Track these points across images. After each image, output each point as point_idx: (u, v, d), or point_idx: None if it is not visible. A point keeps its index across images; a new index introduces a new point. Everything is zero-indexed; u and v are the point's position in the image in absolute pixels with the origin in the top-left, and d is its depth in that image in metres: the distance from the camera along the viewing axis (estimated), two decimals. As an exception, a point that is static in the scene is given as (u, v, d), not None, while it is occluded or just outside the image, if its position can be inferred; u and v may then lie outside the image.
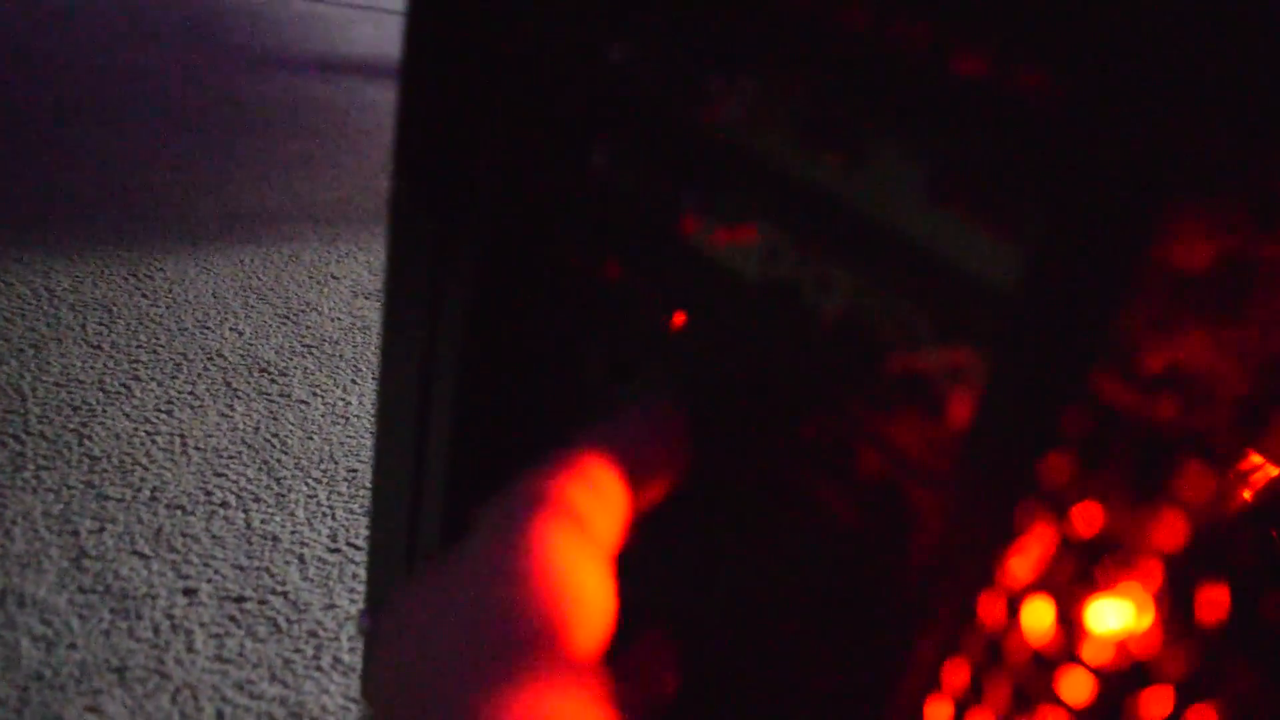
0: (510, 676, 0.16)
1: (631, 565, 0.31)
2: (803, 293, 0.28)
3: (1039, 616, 0.21)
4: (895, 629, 0.24)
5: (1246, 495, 0.23)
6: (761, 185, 0.28)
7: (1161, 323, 0.21)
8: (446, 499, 0.42)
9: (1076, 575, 0.21)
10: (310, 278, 1.31)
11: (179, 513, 0.84)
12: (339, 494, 0.87)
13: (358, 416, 0.98)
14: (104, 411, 0.98)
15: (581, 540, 0.20)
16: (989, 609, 0.21)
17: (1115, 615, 0.21)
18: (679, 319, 0.31)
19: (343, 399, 1.02)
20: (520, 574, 0.18)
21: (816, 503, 0.28)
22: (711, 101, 0.30)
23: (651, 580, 0.33)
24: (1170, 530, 0.22)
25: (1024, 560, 0.21)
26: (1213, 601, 0.21)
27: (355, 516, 0.85)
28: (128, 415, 0.97)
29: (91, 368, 1.05)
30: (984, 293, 0.23)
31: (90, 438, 0.93)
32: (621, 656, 0.27)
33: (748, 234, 0.29)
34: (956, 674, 0.23)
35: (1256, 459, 0.23)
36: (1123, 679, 0.23)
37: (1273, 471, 0.23)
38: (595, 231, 0.35)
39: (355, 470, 0.90)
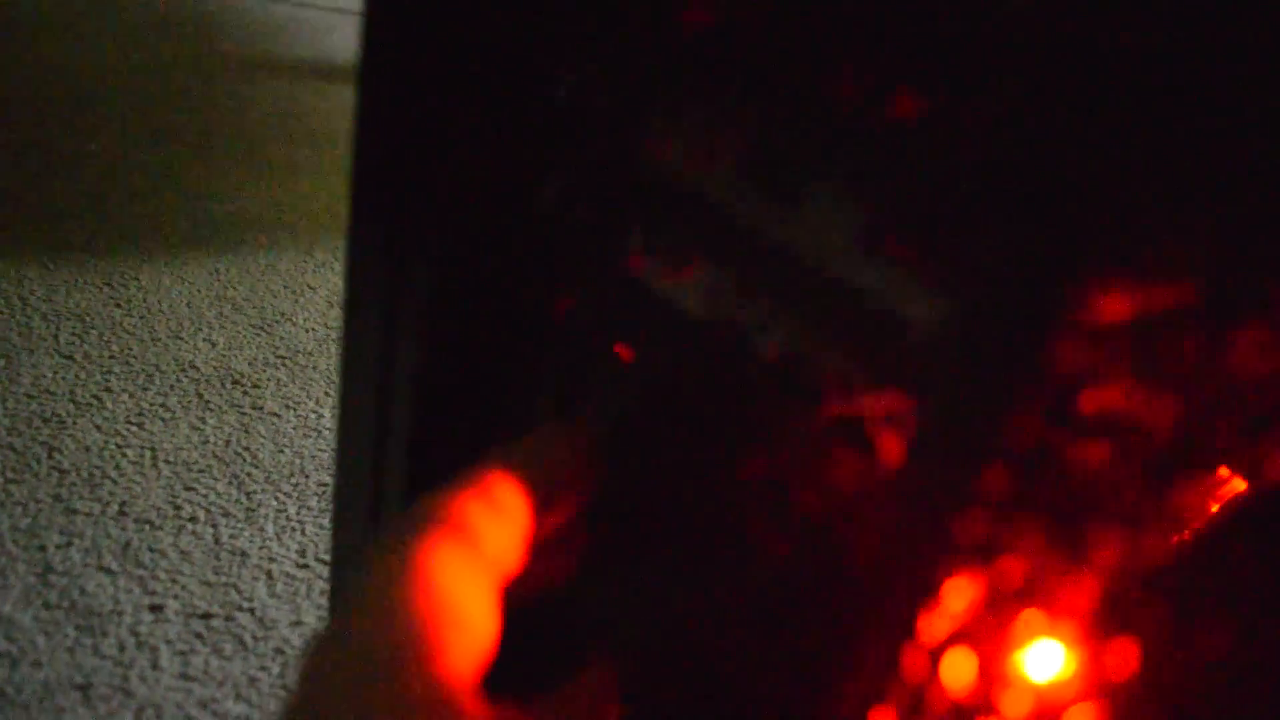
0: (370, 705, 0.16)
1: (570, 593, 0.31)
2: (742, 333, 0.28)
3: (959, 668, 0.21)
4: (823, 672, 0.25)
5: (1213, 507, 0.23)
6: (703, 225, 0.28)
7: (1085, 374, 0.21)
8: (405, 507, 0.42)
9: (997, 628, 0.22)
10: (286, 288, 1.30)
11: (147, 527, 0.84)
12: (308, 508, 0.87)
13: (329, 429, 0.98)
14: (74, 424, 0.97)
15: (467, 559, 0.20)
16: (912, 660, 0.22)
17: (1035, 667, 0.21)
18: (624, 353, 0.31)
19: (315, 411, 1.02)
20: (394, 597, 0.18)
21: (750, 537, 0.28)
22: (657, 141, 0.30)
23: (590, 608, 0.34)
24: (1085, 586, 0.22)
25: (945, 613, 0.21)
26: (1124, 655, 0.21)
27: (324, 531, 0.84)
28: (98, 427, 0.97)
29: (63, 379, 1.04)
30: (913, 340, 0.23)
31: (60, 450, 0.93)
32: (563, 688, 0.27)
33: (690, 272, 0.29)
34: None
35: (1224, 472, 0.24)
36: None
37: (1239, 486, 0.23)
38: (546, 265, 0.35)
39: (325, 484, 0.90)
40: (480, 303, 0.38)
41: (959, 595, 0.23)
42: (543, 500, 0.24)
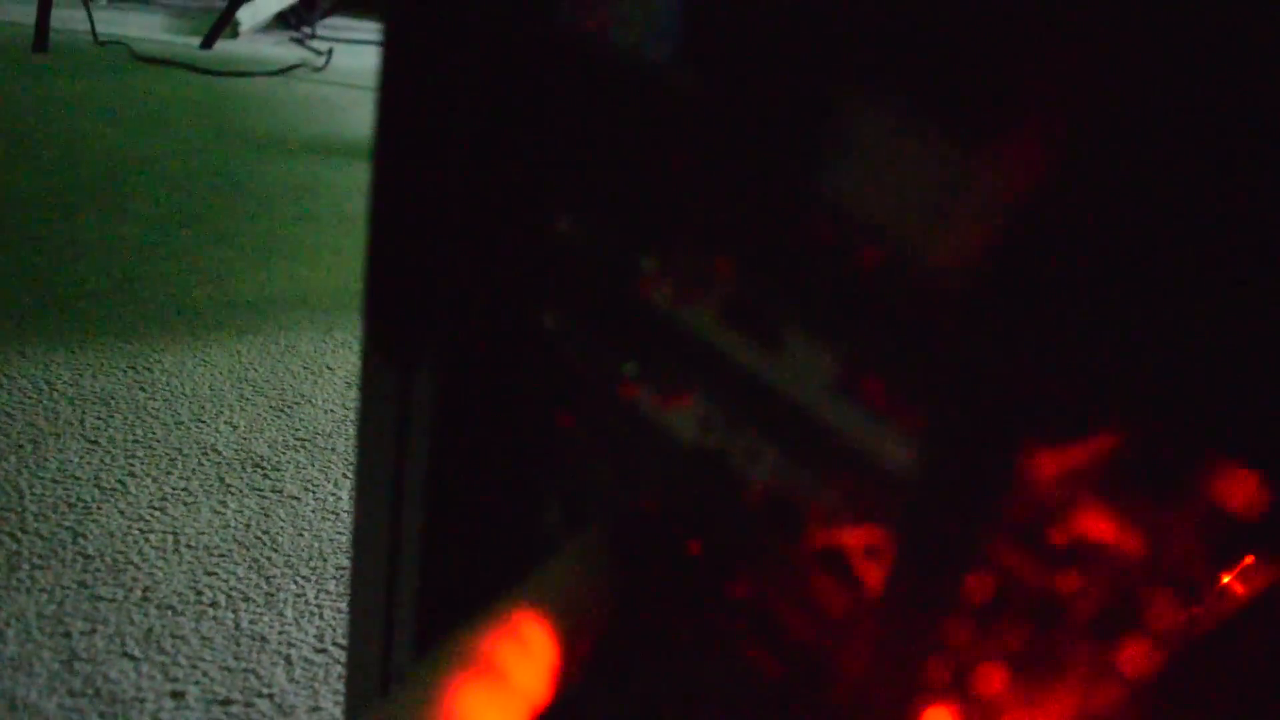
0: None
1: (588, 705, 0.32)
2: (732, 461, 0.29)
3: None
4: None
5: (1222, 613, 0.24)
6: (694, 361, 0.30)
7: (1054, 505, 0.22)
8: (417, 622, 0.44)
9: None
10: (305, 369, 1.33)
11: (169, 613, 0.85)
12: (327, 592, 0.88)
13: (348, 512, 1.00)
14: (99, 509, 0.99)
15: (498, 700, 0.21)
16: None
17: None
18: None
19: (334, 494, 1.03)
20: None
21: (743, 657, 0.29)
22: (648, 279, 0.32)
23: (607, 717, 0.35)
24: (1065, 700, 0.23)
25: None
26: None
27: (343, 615, 0.86)
28: (122, 512, 0.99)
29: (88, 463, 1.07)
30: (888, 476, 0.24)
31: (85, 535, 0.95)
32: None
33: (683, 402, 0.31)
34: None
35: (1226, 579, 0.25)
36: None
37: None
38: (548, 386, 0.37)
39: (344, 567, 0.91)
40: (486, 415, 0.40)
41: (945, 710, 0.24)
42: (568, 636, 0.25)
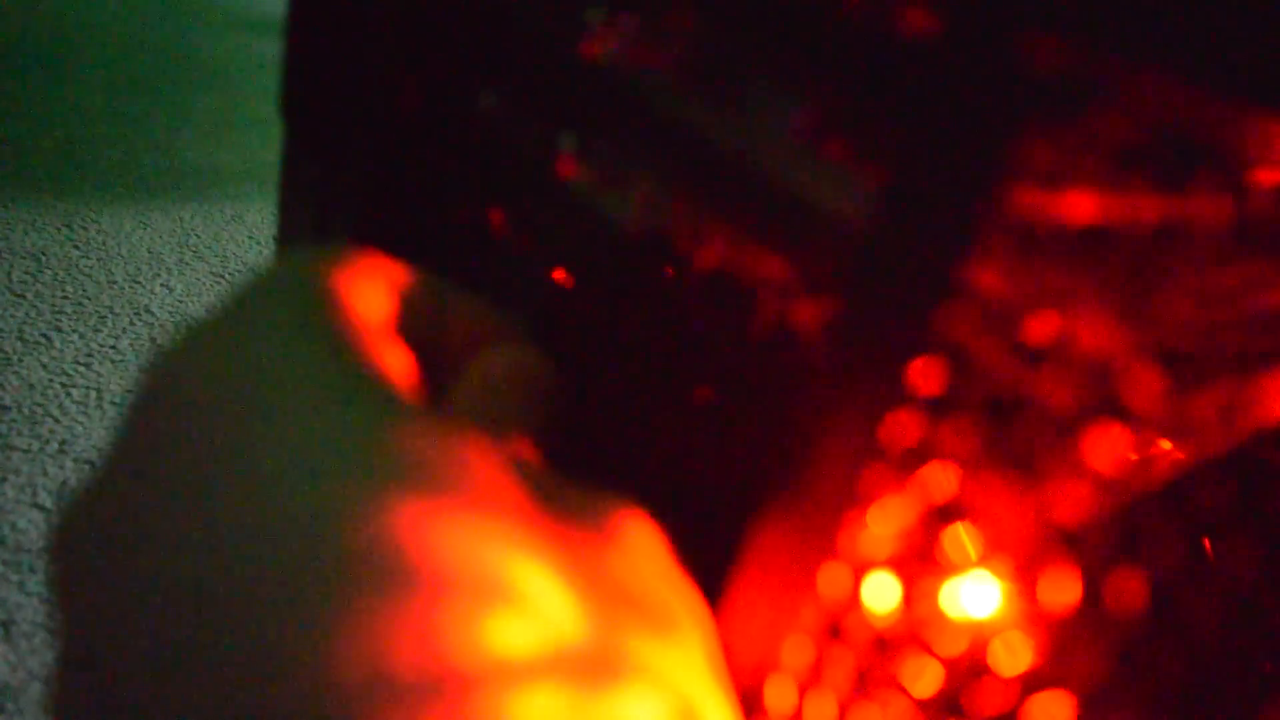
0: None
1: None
2: (675, 244, 0.26)
3: (882, 596, 0.20)
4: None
5: (1149, 482, 0.22)
6: (637, 128, 0.27)
7: (1024, 291, 0.19)
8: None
9: (926, 552, 0.20)
10: (250, 238, 1.28)
11: (86, 467, 0.82)
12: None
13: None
14: (20, 361, 0.95)
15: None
16: (831, 582, 0.20)
17: (966, 598, 0.20)
18: (561, 276, 0.30)
19: (270, 363, 1.00)
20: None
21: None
22: (591, 36, 0.28)
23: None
24: (1032, 506, 0.21)
25: (870, 531, 0.20)
26: (1064, 587, 0.20)
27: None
28: (44, 365, 0.95)
29: (12, 316, 1.02)
30: (841, 232, 0.21)
31: (3, 386, 0.91)
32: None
33: (624, 180, 0.27)
34: (798, 652, 0.22)
35: (1165, 444, 0.22)
36: (969, 668, 0.22)
37: (1177, 456, 0.22)
38: (481, 179, 0.34)
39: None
40: (413, 222, 0.36)
41: (887, 514, 0.21)
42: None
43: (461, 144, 0.33)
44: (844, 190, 0.21)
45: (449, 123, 0.33)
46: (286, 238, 0.38)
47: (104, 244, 1.19)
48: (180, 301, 1.10)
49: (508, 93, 0.31)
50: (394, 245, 0.37)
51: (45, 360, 0.95)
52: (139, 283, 1.13)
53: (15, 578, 0.70)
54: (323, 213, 0.36)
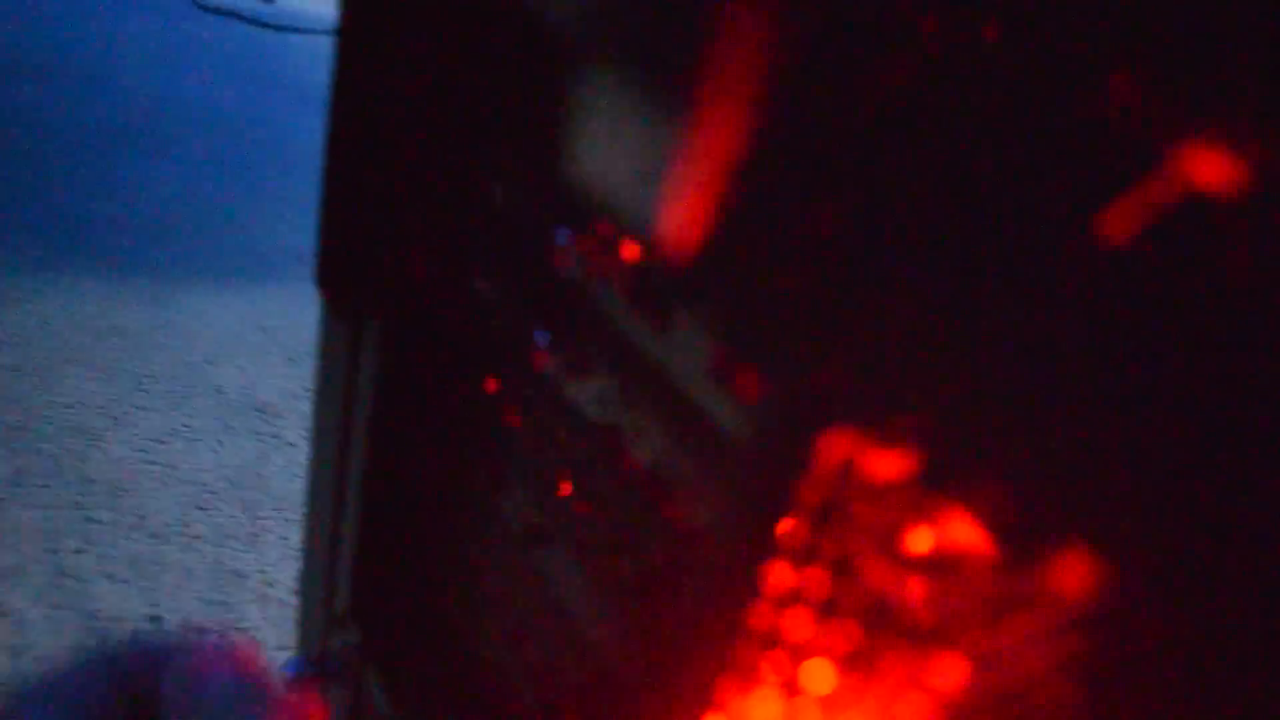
0: None
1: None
2: (623, 434, 0.32)
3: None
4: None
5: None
6: (596, 336, 0.33)
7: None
8: (354, 570, 0.47)
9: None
10: (320, 323, 1.36)
11: (157, 541, 0.89)
12: (310, 538, 0.92)
13: (340, 464, 1.03)
14: (104, 436, 1.03)
15: None
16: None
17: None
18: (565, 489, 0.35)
19: (330, 445, 1.07)
20: None
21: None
22: (560, 251, 0.34)
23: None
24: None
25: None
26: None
27: (322, 561, 0.89)
28: (126, 442, 1.03)
29: (101, 393, 1.11)
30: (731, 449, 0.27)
31: (90, 460, 0.99)
32: None
33: (586, 375, 0.33)
34: None
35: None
36: None
37: None
38: (479, 350, 0.40)
39: (329, 516, 0.95)
40: (424, 377, 0.43)
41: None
42: None
43: (459, 316, 0.39)
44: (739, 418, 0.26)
45: (449, 297, 0.40)
46: (324, 381, 0.45)
47: (185, 323, 1.29)
48: (252, 384, 1.18)
49: (495, 281, 0.38)
50: (410, 392, 0.43)
51: (127, 437, 1.04)
52: (214, 363, 1.21)
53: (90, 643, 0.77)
54: (353, 361, 0.43)
